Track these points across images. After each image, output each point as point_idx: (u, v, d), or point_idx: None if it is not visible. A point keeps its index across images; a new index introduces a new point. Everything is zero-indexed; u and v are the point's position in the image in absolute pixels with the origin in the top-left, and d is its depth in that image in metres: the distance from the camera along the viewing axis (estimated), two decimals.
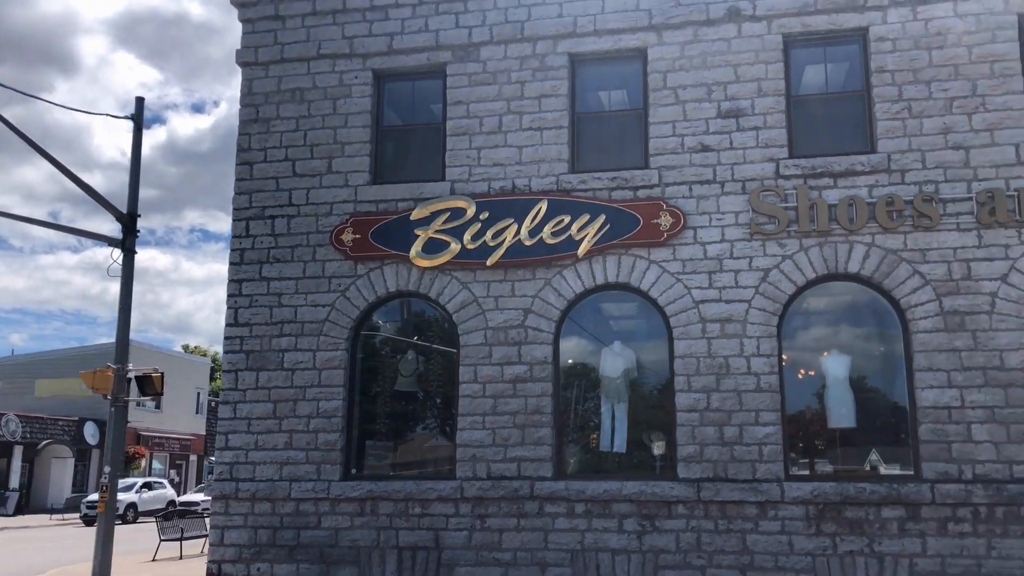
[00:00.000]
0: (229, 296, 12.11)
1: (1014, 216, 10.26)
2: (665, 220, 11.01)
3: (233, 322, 12.02)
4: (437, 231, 11.45)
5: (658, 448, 11.13)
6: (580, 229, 11.13)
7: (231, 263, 12.19)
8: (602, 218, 11.11)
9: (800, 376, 11.03)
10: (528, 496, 10.75)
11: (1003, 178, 10.39)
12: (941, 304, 10.33)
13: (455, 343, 11.44)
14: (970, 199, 10.42)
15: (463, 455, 11.06)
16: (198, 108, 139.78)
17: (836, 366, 10.78)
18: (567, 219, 11.18)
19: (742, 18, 11.29)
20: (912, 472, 10.25)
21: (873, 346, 10.97)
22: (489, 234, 11.28)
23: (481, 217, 11.35)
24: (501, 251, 11.25)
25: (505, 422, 11.02)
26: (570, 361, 11.51)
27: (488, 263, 11.25)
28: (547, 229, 11.19)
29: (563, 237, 11.17)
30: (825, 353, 10.91)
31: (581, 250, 11.10)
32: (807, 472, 10.68)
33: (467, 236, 11.32)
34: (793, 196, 10.84)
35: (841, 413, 10.69)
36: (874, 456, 10.75)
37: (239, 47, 12.75)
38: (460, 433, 11.12)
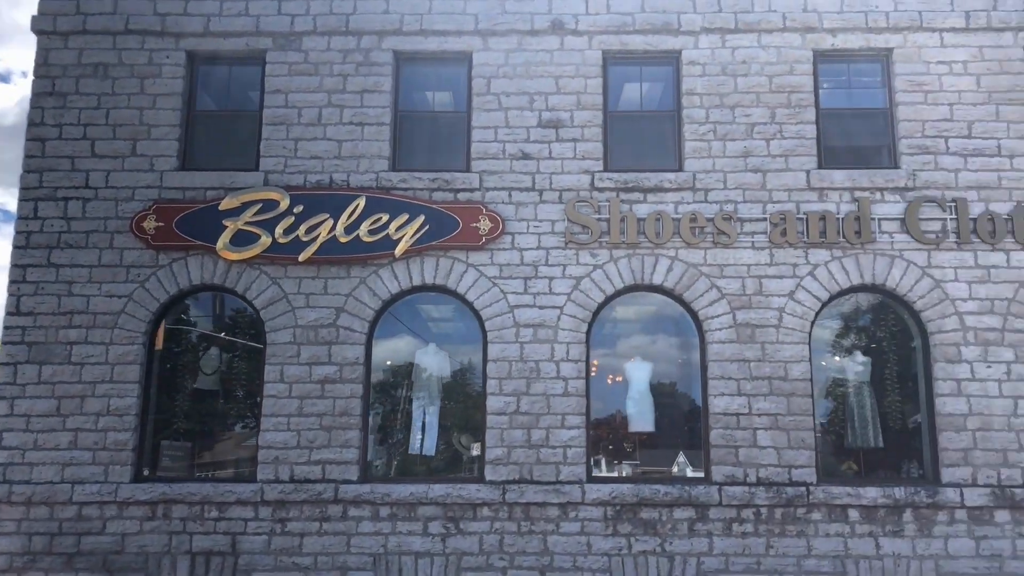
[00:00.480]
0: (11, 282, 11.10)
1: (802, 238, 11.04)
2: (484, 224, 11.08)
3: (15, 311, 11.03)
4: (247, 223, 10.98)
5: (468, 451, 11.17)
6: (398, 228, 11.01)
7: (15, 247, 11.18)
8: (421, 218, 11.04)
9: (608, 382, 11.40)
10: (332, 499, 10.48)
11: (795, 201, 11.17)
12: (735, 317, 10.96)
13: (262, 340, 11.01)
14: (765, 220, 11.12)
15: (265, 457, 10.65)
16: (3, 78, 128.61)
17: (638, 373, 11.21)
18: (385, 217, 11.03)
19: (565, 31, 11.56)
20: (703, 475, 10.81)
21: (674, 354, 11.49)
22: (303, 229, 10.95)
23: (295, 210, 10.99)
24: (315, 247, 10.94)
25: (311, 424, 10.71)
26: (384, 362, 11.35)
27: (300, 259, 10.91)
28: (364, 227, 10.98)
29: (380, 235, 11.01)
30: (629, 360, 11.33)
31: (399, 250, 10.98)
32: (608, 474, 11.04)
33: (279, 229, 10.93)
34: (606, 208, 11.19)
35: (642, 418, 11.14)
36: (681, 459, 11.25)
37: (35, 13, 11.76)
38: (263, 434, 10.71)
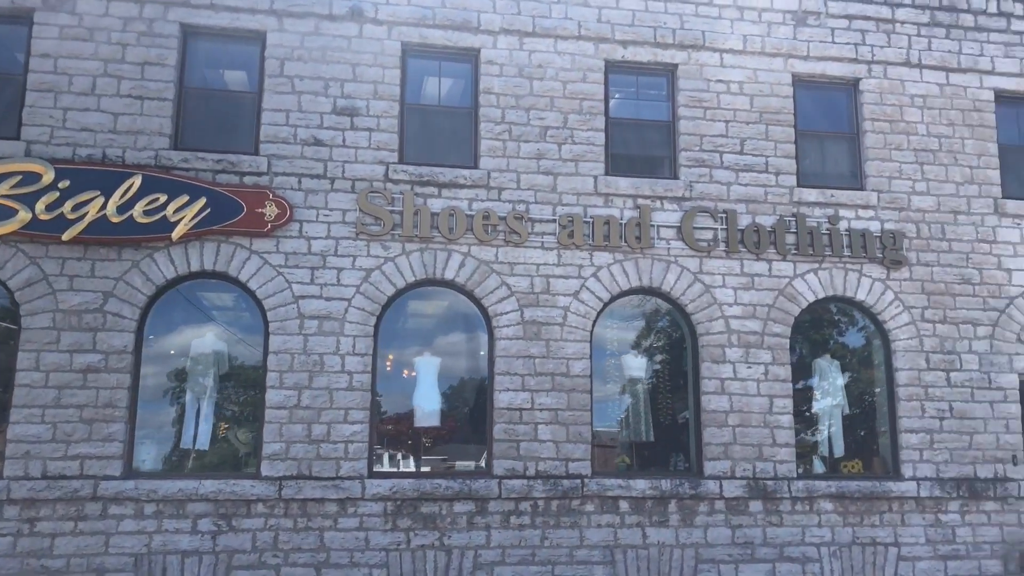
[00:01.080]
0: None
1: (588, 240, 11.43)
2: (271, 210, 10.70)
3: None
4: (4, 196, 10.03)
5: (245, 446, 10.75)
6: (177, 210, 10.41)
7: None
8: (203, 201, 10.49)
9: (397, 376, 11.33)
10: (90, 497, 9.78)
11: (582, 205, 11.55)
12: (522, 314, 11.20)
13: (16, 324, 10.10)
14: (554, 221, 11.43)
15: (14, 452, 9.78)
16: None
17: (427, 367, 11.22)
18: (163, 198, 10.41)
19: (364, 19, 11.38)
20: (485, 469, 10.97)
21: (463, 350, 11.58)
22: (68, 205, 10.13)
23: (60, 185, 10.14)
24: (82, 226, 10.15)
25: (70, 416, 9.94)
26: (156, 352, 10.72)
27: (64, 237, 10.09)
28: (139, 207, 10.31)
29: (157, 217, 10.37)
30: (418, 354, 11.31)
31: (176, 233, 10.39)
32: (391, 469, 10.98)
33: (40, 205, 10.06)
34: (400, 201, 11.11)
35: (428, 412, 11.15)
36: (466, 453, 11.34)
37: None
38: (13, 427, 9.82)
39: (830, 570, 11.24)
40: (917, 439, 11.81)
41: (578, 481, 10.86)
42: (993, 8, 12.90)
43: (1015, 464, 11.96)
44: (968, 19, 12.86)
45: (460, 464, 11.27)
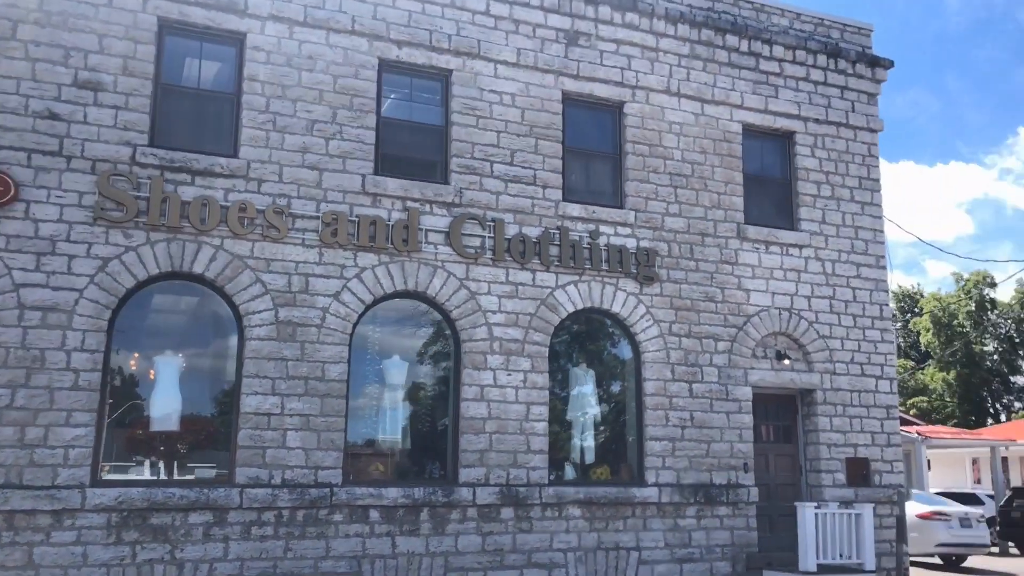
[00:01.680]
0: None
1: (352, 240, 11.11)
2: None
3: None
4: None
5: None
6: None
7: None
8: None
9: (134, 376, 10.44)
10: None
11: (348, 203, 11.22)
12: (277, 314, 10.68)
13: None
14: (317, 218, 11.01)
15: None
16: None
17: (167, 367, 10.41)
18: None
19: None
20: (227, 477, 10.31)
21: (210, 349, 10.88)
22: None
23: None
24: None
25: None
26: None
27: None
28: None
29: None
30: (159, 353, 10.47)
31: None
32: (120, 477, 10.06)
33: None
34: (147, 186, 10.27)
35: (166, 416, 10.34)
36: (206, 460, 10.60)
37: None
38: None
39: (575, 575, 11.53)
40: (660, 447, 12.43)
41: (327, 490, 10.46)
42: (745, 47, 13.94)
43: (745, 471, 12.87)
44: (723, 55, 13.82)
45: (201, 472, 10.53)
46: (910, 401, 60.10)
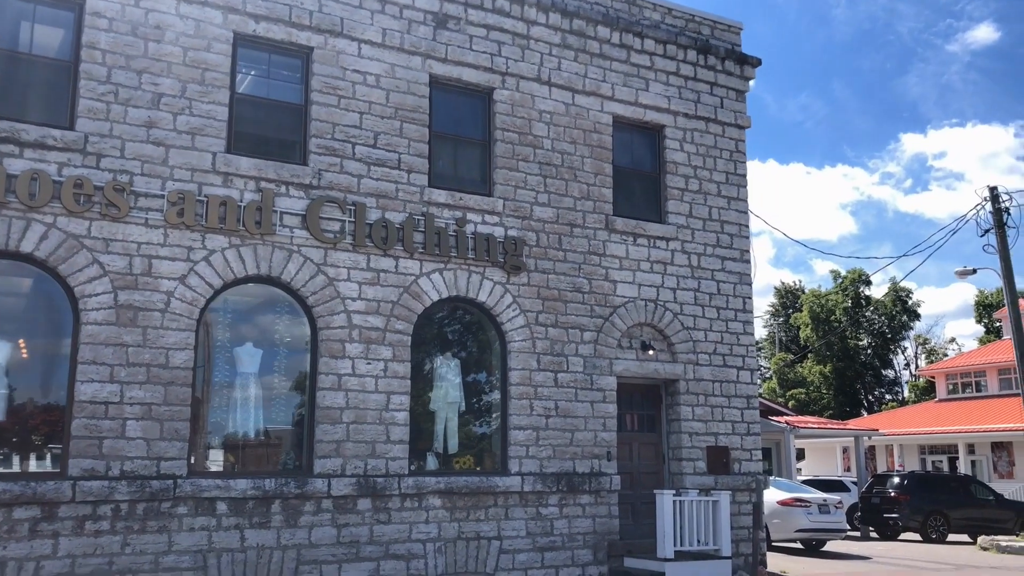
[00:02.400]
0: None
1: (201, 221, 10.60)
2: None
3: None
4: None
5: None
6: None
7: None
8: None
9: None
10: None
11: (197, 182, 10.69)
12: (117, 297, 10.08)
13: None
14: (163, 197, 10.45)
15: None
16: None
17: None
18: None
19: None
20: (58, 469, 9.69)
21: (41, 333, 10.19)
22: None
23: None
24: None
25: None
26: None
27: None
28: None
29: None
30: None
31: None
32: None
33: None
34: None
35: None
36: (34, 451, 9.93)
37: None
38: None
39: (434, 566, 11.36)
40: (524, 436, 12.38)
41: (170, 482, 9.95)
42: (616, 39, 14.02)
43: (609, 460, 12.97)
44: (595, 46, 13.86)
45: (29, 465, 9.85)
46: (789, 393, 62.59)
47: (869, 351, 65.83)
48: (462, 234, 12.30)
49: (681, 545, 12.35)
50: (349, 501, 10.97)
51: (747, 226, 15.08)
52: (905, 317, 64.91)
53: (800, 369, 64.84)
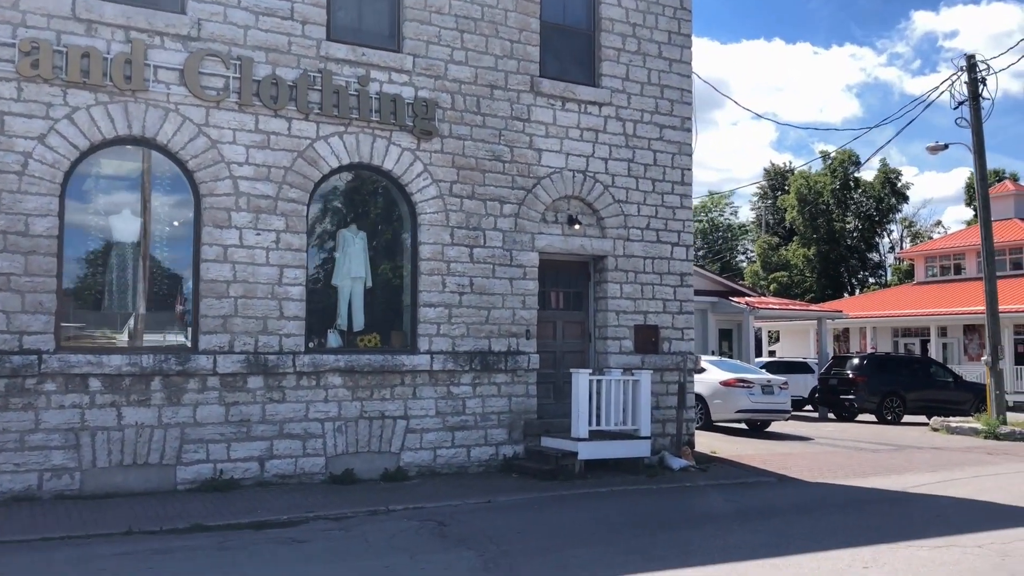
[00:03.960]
0: None
1: (60, 74, 9.57)
2: None
3: None
4: None
5: None
6: None
7: None
8: None
9: None
10: None
11: (55, 30, 9.60)
12: None
13: None
14: (14, 46, 9.38)
15: None
16: None
17: None
18: None
19: None
20: None
21: None
22: None
23: None
24: None
25: None
26: None
27: None
28: None
29: None
30: None
31: None
32: None
33: None
34: None
35: None
36: None
37: None
38: None
39: (333, 445, 10.90)
40: (436, 313, 11.73)
41: (35, 357, 9.32)
42: None
43: (528, 338, 12.37)
44: None
45: None
46: (772, 276, 62.28)
47: (856, 234, 65.10)
48: (365, 94, 11.27)
49: (599, 425, 11.89)
50: (238, 379, 10.39)
51: (689, 91, 13.99)
52: (893, 200, 63.91)
53: (784, 252, 64.29)
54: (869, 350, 36.24)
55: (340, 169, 11.28)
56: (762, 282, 62.38)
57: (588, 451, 11.63)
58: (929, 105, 19.64)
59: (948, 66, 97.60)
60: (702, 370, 18.19)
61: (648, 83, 13.59)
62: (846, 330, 40.53)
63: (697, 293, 25.92)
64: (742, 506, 10.07)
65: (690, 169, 14.00)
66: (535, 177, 12.55)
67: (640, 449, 12.11)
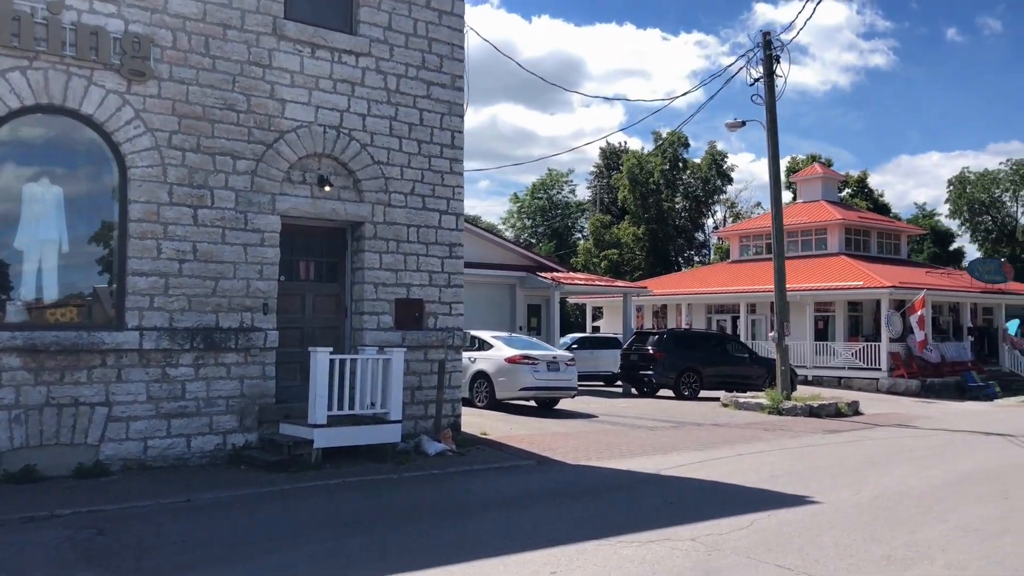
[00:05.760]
0: None
1: None
2: None
3: None
4: None
5: None
6: None
7: None
8: None
9: None
10: None
11: None
12: None
13: None
14: None
15: None
16: None
17: None
18: None
19: None
20: None
21: None
22: None
23: None
24: None
25: None
26: None
27: None
28: None
29: None
30: None
31: None
32: None
33: None
34: None
35: None
36: None
37: None
38: None
39: (9, 438, 9.20)
40: (148, 283, 10.17)
41: None
42: None
43: (265, 313, 11.02)
44: None
45: None
46: (603, 253, 63.20)
47: (684, 214, 67.00)
48: (56, 23, 9.52)
49: (351, 409, 10.74)
50: None
51: (461, 47, 12.95)
52: (719, 181, 66.14)
53: (616, 230, 65.36)
54: (684, 326, 36.97)
55: (22, 111, 9.49)
56: (594, 259, 63.20)
57: (325, 439, 10.45)
58: (730, 80, 19.47)
59: (784, 59, 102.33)
60: (490, 346, 17.42)
61: (414, 35, 12.42)
62: (664, 307, 41.28)
63: (505, 268, 25.37)
64: (478, 496, 9.20)
65: (461, 132, 12.98)
66: (277, 131, 11.16)
67: (388, 434, 11.04)
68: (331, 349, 10.78)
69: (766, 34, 20.02)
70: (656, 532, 7.24)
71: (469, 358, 17.30)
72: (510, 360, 16.57)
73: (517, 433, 13.88)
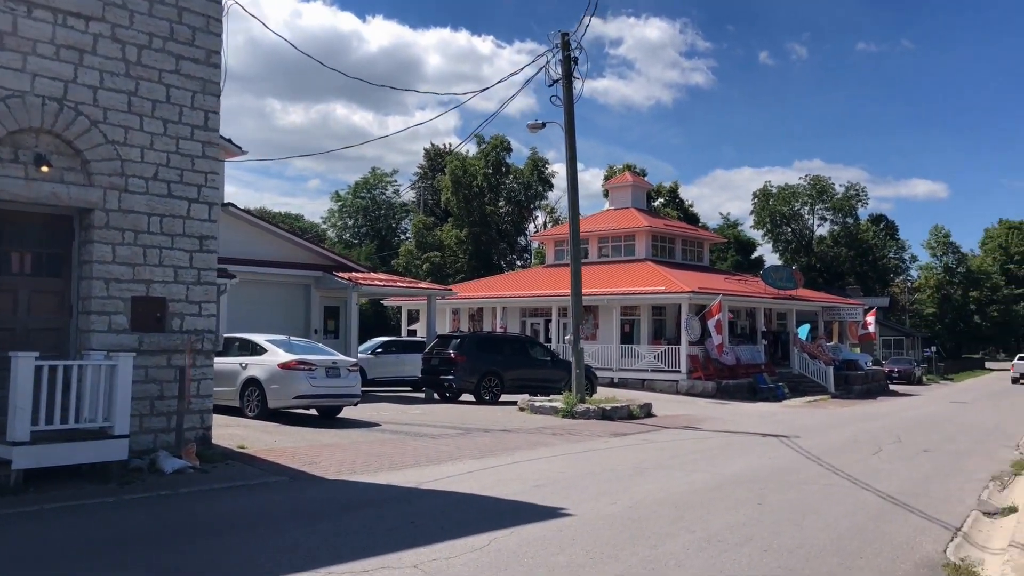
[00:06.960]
0: None
1: None
2: None
3: None
4: None
5: None
6: None
7: None
8: None
9: None
10: None
11: None
12: None
13: None
14: None
15: None
16: None
17: None
18: None
19: None
20: None
21: None
22: None
23: None
24: None
25: None
26: None
27: None
28: None
29: None
30: None
31: None
32: None
33: None
34: None
35: None
36: None
37: None
38: None
39: None
40: None
41: None
42: None
43: None
44: None
45: None
46: (426, 256, 62.47)
47: (507, 218, 67.39)
48: None
49: (63, 423, 9.27)
50: None
51: (218, 20, 11.71)
52: (540, 187, 67.02)
53: (439, 233, 64.79)
54: (499, 329, 36.74)
55: None
56: (416, 261, 62.32)
57: (27, 458, 8.94)
58: (531, 80, 19.15)
59: (613, 73, 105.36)
60: (264, 351, 16.13)
61: (160, 2, 11.08)
62: (480, 310, 40.98)
63: (299, 267, 23.97)
64: (201, 519, 8.07)
65: (217, 112, 11.72)
66: None
67: (113, 451, 9.64)
68: (37, 354, 9.25)
69: (564, 35, 19.89)
70: (376, 559, 6.43)
71: (241, 364, 15.93)
72: (284, 366, 15.31)
73: (281, 446, 12.73)
